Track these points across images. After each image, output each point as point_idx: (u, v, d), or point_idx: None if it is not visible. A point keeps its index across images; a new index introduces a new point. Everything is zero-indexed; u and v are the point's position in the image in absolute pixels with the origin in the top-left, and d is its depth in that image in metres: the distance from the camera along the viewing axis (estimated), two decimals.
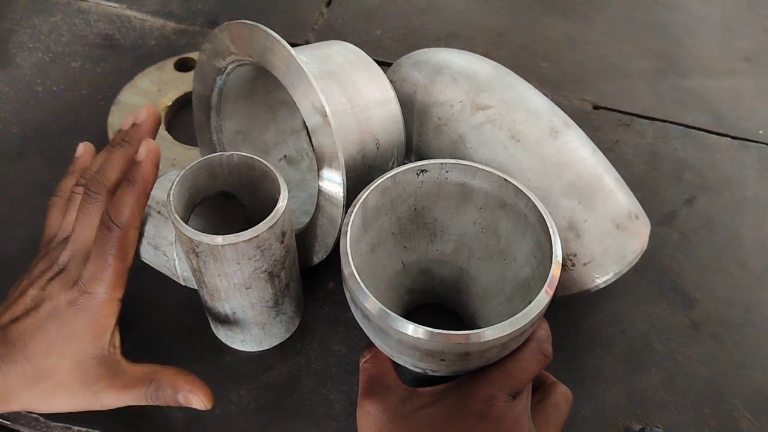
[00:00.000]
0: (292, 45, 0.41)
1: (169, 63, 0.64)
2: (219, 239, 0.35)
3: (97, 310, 0.38)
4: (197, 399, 0.38)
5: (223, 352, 0.46)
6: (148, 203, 0.43)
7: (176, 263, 0.43)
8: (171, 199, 0.37)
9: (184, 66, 0.64)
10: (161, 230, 0.42)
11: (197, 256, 0.37)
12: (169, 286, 0.49)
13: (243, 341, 0.45)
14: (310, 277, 0.50)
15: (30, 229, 0.53)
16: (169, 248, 0.42)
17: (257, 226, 0.36)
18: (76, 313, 0.38)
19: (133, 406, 0.43)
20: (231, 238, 0.36)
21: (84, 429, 0.43)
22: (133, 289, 0.49)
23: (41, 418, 0.43)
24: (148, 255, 0.44)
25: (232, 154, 0.40)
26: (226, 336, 0.46)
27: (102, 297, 0.38)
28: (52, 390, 0.38)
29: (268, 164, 0.39)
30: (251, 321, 0.43)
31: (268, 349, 0.47)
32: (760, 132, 0.64)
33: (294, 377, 0.45)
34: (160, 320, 0.48)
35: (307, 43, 0.70)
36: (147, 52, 0.69)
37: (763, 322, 0.50)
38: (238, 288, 0.39)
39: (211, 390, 0.39)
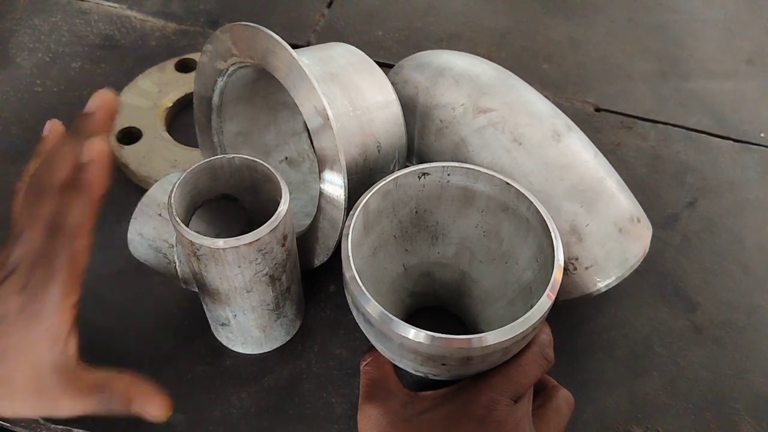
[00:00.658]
0: (293, 46, 0.41)
1: (170, 64, 0.64)
2: (220, 242, 0.35)
3: (48, 318, 0.36)
4: (151, 409, 0.37)
5: (224, 354, 0.46)
6: (147, 204, 0.43)
7: (177, 266, 0.43)
8: (172, 201, 0.37)
9: (184, 67, 0.64)
10: (162, 233, 0.42)
11: (198, 259, 0.37)
12: (170, 289, 0.49)
13: (243, 344, 0.45)
14: (311, 280, 0.50)
15: None
16: (169, 251, 0.42)
17: (259, 229, 0.36)
18: (27, 320, 0.35)
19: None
20: (232, 241, 0.35)
21: (83, 431, 0.42)
22: (134, 292, 0.49)
23: (41, 420, 0.43)
24: (148, 257, 0.44)
25: (233, 157, 0.40)
26: (227, 339, 0.46)
27: (53, 304, 0.36)
28: (8, 397, 0.36)
29: (270, 167, 0.39)
30: (252, 324, 0.43)
31: (269, 352, 0.46)
32: (762, 135, 0.64)
33: (295, 380, 0.45)
34: (160, 323, 0.48)
35: (308, 44, 0.70)
36: (148, 52, 0.69)
37: (765, 326, 0.50)
38: (239, 291, 0.39)
39: (168, 399, 0.37)
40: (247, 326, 0.43)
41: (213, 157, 0.40)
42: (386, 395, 0.37)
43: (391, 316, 0.33)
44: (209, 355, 0.46)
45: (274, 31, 0.41)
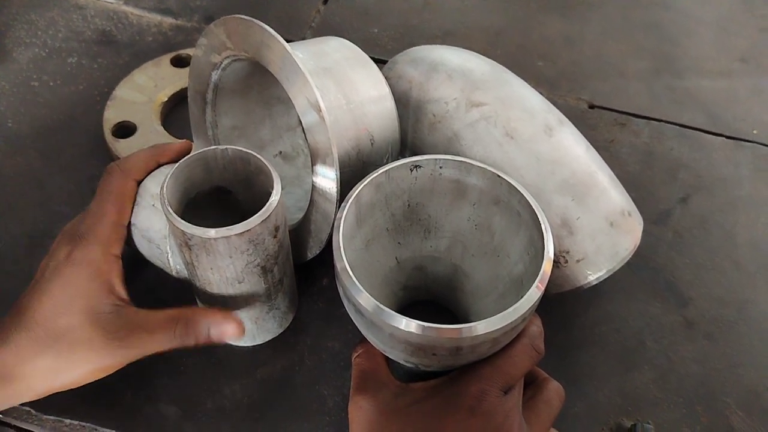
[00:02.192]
0: (289, 42, 0.41)
1: (166, 59, 0.64)
2: (212, 232, 0.36)
3: (94, 265, 0.38)
4: (228, 330, 0.38)
5: (217, 346, 0.46)
6: (141, 195, 0.42)
7: (169, 256, 0.43)
8: (165, 191, 0.37)
9: (180, 62, 0.64)
10: (154, 223, 0.42)
11: (190, 249, 0.37)
12: (163, 280, 0.49)
13: None
14: (304, 273, 0.50)
15: (25, 223, 0.53)
16: (162, 241, 0.42)
17: (250, 219, 0.36)
18: (75, 269, 0.38)
19: (124, 399, 0.43)
20: (223, 231, 0.36)
21: (76, 422, 0.43)
22: (128, 283, 0.49)
23: (33, 411, 0.43)
24: (141, 248, 0.44)
25: (226, 149, 0.40)
26: None
27: (97, 250, 0.39)
28: (69, 350, 0.37)
29: (263, 159, 0.39)
30: (244, 316, 0.43)
31: (262, 345, 0.47)
32: (755, 132, 0.64)
33: (287, 373, 0.46)
34: None
35: (303, 40, 0.70)
36: (144, 48, 0.69)
37: (755, 321, 0.50)
38: (230, 282, 0.39)
39: (239, 321, 0.39)
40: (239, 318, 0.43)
41: (206, 149, 0.40)
42: (377, 386, 0.37)
43: (382, 306, 0.33)
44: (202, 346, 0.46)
45: (270, 27, 0.41)
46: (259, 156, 0.40)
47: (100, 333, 0.37)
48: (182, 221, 0.36)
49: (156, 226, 0.42)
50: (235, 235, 0.36)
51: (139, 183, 0.43)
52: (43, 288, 0.38)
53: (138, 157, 0.43)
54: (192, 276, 0.41)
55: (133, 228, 0.43)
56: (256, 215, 0.36)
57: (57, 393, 0.43)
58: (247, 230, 0.36)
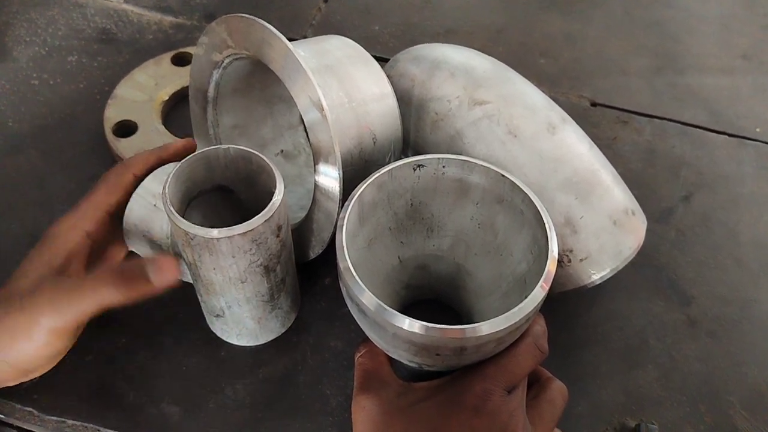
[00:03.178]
0: (290, 40, 0.41)
1: (167, 57, 0.64)
2: (214, 232, 0.35)
3: (60, 236, 0.40)
4: (166, 263, 0.38)
5: (219, 346, 0.46)
6: (143, 195, 0.42)
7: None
8: (167, 191, 0.37)
9: (181, 60, 0.64)
10: (156, 223, 0.42)
11: (192, 249, 0.37)
12: None
13: (238, 336, 0.45)
14: (307, 272, 0.50)
15: (26, 222, 0.53)
16: (165, 241, 0.42)
17: (252, 219, 0.36)
18: (46, 239, 0.41)
19: (127, 399, 0.43)
20: (226, 231, 0.35)
21: (78, 422, 0.42)
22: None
23: (35, 411, 0.43)
24: (143, 248, 0.44)
25: (228, 148, 0.40)
26: (222, 330, 0.46)
27: (68, 222, 0.41)
28: (20, 310, 0.37)
29: (265, 158, 0.39)
30: (247, 315, 0.43)
31: (264, 344, 0.46)
32: (758, 130, 0.64)
33: (290, 372, 0.45)
34: (155, 314, 0.48)
35: (305, 38, 0.70)
36: (144, 46, 0.69)
37: (759, 319, 0.50)
38: (233, 282, 0.39)
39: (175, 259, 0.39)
40: (241, 318, 0.43)
41: (208, 148, 0.40)
42: (380, 386, 0.37)
43: (385, 306, 0.33)
44: (204, 346, 0.46)
45: (271, 24, 0.41)
46: (261, 155, 0.39)
47: (46, 295, 0.38)
48: (184, 221, 0.36)
49: (158, 226, 0.42)
50: (238, 234, 0.36)
51: (139, 179, 0.43)
52: (24, 265, 0.40)
53: (140, 154, 0.44)
54: (194, 276, 0.41)
55: (134, 228, 0.43)
56: (258, 215, 0.36)
57: (58, 394, 0.43)
58: (250, 230, 0.36)
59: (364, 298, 0.33)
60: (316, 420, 0.43)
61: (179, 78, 0.62)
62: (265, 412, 0.43)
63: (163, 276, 0.38)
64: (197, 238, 0.36)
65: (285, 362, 0.46)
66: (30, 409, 0.43)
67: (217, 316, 0.43)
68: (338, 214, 0.42)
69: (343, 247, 0.35)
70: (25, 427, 0.43)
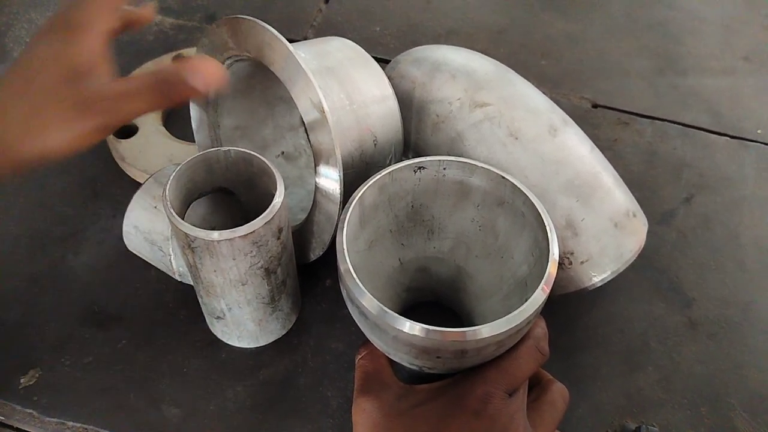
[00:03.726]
0: (291, 41, 0.41)
1: (167, 58, 0.63)
2: (215, 234, 0.35)
3: (81, 33, 0.35)
4: (212, 67, 0.34)
5: (220, 348, 0.46)
6: (143, 197, 0.42)
7: (171, 258, 0.43)
8: (167, 194, 0.37)
9: None
10: (157, 225, 0.42)
11: (193, 251, 0.37)
12: (165, 283, 0.49)
13: (239, 337, 0.45)
14: (307, 274, 0.50)
15: (24, 224, 0.53)
16: (164, 243, 0.42)
17: (253, 221, 0.36)
18: (61, 33, 0.35)
19: (127, 400, 0.43)
20: (227, 233, 0.35)
21: (78, 424, 0.42)
22: (129, 286, 0.49)
23: (35, 413, 0.43)
24: (143, 250, 0.44)
25: (229, 150, 0.40)
26: (222, 332, 0.45)
27: (82, 12, 0.36)
28: (42, 104, 0.34)
29: (266, 160, 0.39)
30: (247, 317, 0.43)
31: (265, 346, 0.46)
32: (759, 131, 0.64)
33: (290, 374, 0.45)
34: (156, 316, 0.48)
35: (305, 39, 0.70)
36: (145, 47, 0.68)
37: (760, 322, 0.50)
38: (233, 284, 0.39)
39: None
40: (242, 320, 0.43)
41: (209, 150, 0.40)
42: (381, 388, 0.37)
43: (386, 309, 0.33)
44: (205, 348, 0.46)
45: (271, 26, 0.41)
46: (261, 157, 0.39)
47: (73, 92, 0.34)
48: (185, 223, 0.36)
49: (158, 229, 0.42)
50: (239, 237, 0.36)
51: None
52: (29, 47, 0.36)
53: None
54: (195, 278, 0.41)
55: (134, 230, 0.43)
56: (259, 217, 0.36)
57: (58, 395, 0.42)
58: (251, 232, 0.36)
59: (365, 300, 0.33)
60: (317, 422, 0.43)
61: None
62: (265, 414, 0.43)
63: (200, 77, 0.34)
64: (198, 240, 0.36)
65: (286, 364, 0.46)
66: (30, 410, 0.43)
67: (218, 317, 0.43)
68: (339, 216, 0.41)
69: (343, 249, 0.35)
70: (24, 428, 0.42)
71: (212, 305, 0.42)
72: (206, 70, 0.34)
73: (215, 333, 0.46)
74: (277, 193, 0.37)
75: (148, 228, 0.42)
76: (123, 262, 0.50)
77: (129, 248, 0.44)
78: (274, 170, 0.38)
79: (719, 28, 0.76)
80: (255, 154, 0.40)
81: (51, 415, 0.43)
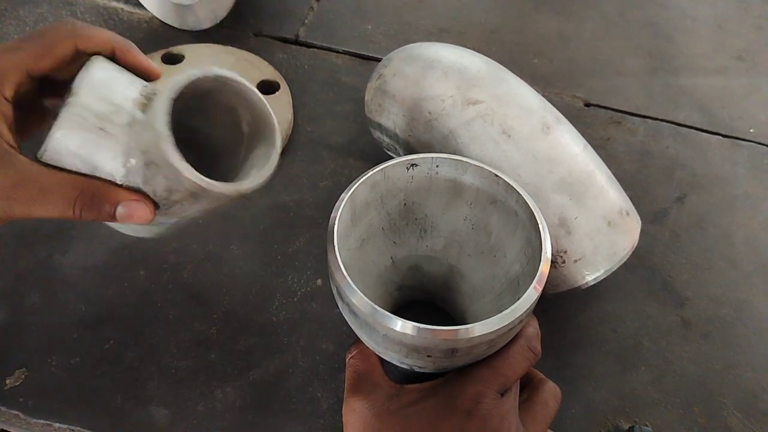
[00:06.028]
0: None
1: (157, 56, 0.63)
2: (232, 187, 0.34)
3: None
4: (143, 210, 0.33)
5: (209, 348, 0.46)
6: (80, 112, 0.34)
7: (122, 177, 0.35)
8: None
9: (171, 59, 0.63)
10: (104, 153, 0.35)
11: (191, 198, 0.34)
12: (154, 282, 0.48)
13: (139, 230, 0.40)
14: (298, 274, 0.49)
15: (11, 222, 0.52)
16: (120, 175, 0.35)
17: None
18: None
19: (114, 402, 0.43)
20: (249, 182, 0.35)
21: (65, 426, 0.42)
22: (117, 285, 0.49)
23: (21, 415, 0.42)
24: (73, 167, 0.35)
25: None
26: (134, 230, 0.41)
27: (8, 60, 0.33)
28: None
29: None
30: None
31: (254, 345, 0.46)
32: (751, 130, 0.64)
33: (281, 375, 0.45)
34: (144, 316, 0.47)
35: (296, 37, 0.69)
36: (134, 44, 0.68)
37: (753, 321, 0.50)
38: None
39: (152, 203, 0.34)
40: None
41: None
42: (372, 388, 0.36)
43: (376, 307, 0.32)
44: (193, 348, 0.46)
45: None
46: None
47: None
48: (214, 182, 0.33)
49: (106, 157, 0.35)
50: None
51: (80, 56, 0.35)
52: None
53: (97, 29, 0.36)
54: (166, 206, 0.36)
55: (71, 158, 0.35)
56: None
57: (44, 396, 0.42)
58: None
59: (356, 299, 0.33)
60: (307, 423, 0.43)
61: (169, 76, 0.61)
62: (255, 414, 0.43)
63: (132, 219, 0.34)
64: (220, 194, 0.34)
65: (275, 364, 0.45)
66: (16, 412, 0.42)
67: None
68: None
69: (334, 246, 0.35)
70: (11, 430, 0.42)
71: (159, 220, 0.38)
72: (137, 218, 0.34)
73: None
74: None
75: (92, 155, 0.34)
76: (111, 261, 0.49)
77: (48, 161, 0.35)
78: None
79: (712, 27, 0.76)
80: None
81: (37, 416, 0.42)
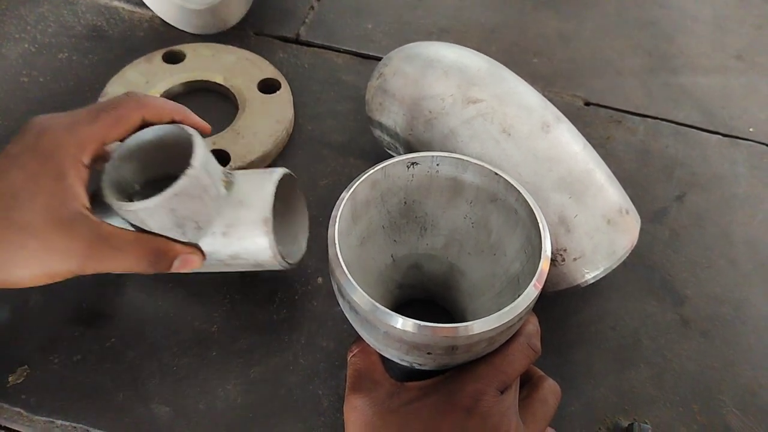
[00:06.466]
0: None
1: (158, 55, 0.63)
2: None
3: (63, 165, 0.35)
4: (197, 260, 0.39)
5: (209, 346, 0.46)
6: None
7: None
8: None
9: (172, 58, 0.63)
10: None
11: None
12: (155, 280, 0.48)
13: None
14: (298, 272, 0.50)
15: None
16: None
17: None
18: (41, 163, 0.35)
19: (116, 399, 0.43)
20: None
21: (67, 423, 0.42)
22: (119, 282, 0.49)
23: (24, 412, 0.42)
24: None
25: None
26: None
27: (69, 150, 0.36)
28: (22, 245, 0.34)
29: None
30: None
31: (256, 344, 0.46)
32: (751, 130, 0.64)
33: (281, 372, 0.45)
34: (145, 314, 0.47)
35: (297, 36, 0.70)
36: (135, 44, 0.68)
37: (752, 319, 0.50)
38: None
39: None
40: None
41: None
42: (372, 386, 0.36)
43: (377, 304, 0.33)
44: (194, 346, 0.46)
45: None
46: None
47: (60, 234, 0.34)
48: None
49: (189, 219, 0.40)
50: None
51: (145, 124, 0.39)
52: (2, 175, 0.35)
53: (158, 99, 0.40)
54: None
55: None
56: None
57: (46, 393, 0.42)
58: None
59: (356, 296, 0.33)
60: (308, 421, 0.43)
61: (170, 76, 0.61)
62: (256, 412, 0.43)
63: (185, 268, 0.39)
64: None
65: (276, 362, 0.45)
66: (18, 409, 0.42)
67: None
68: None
69: (335, 244, 0.35)
70: (13, 427, 0.42)
71: None
72: (189, 268, 0.39)
73: None
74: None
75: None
76: None
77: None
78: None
79: (711, 26, 0.76)
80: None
81: (39, 413, 0.42)
